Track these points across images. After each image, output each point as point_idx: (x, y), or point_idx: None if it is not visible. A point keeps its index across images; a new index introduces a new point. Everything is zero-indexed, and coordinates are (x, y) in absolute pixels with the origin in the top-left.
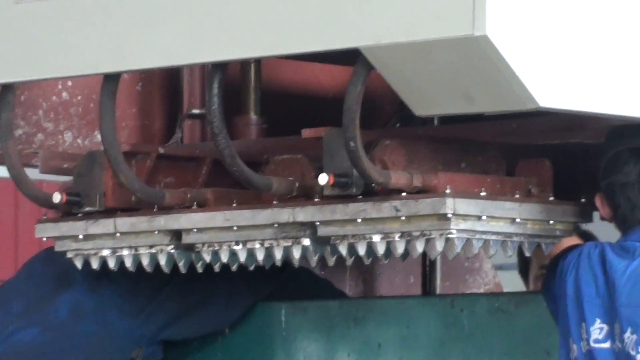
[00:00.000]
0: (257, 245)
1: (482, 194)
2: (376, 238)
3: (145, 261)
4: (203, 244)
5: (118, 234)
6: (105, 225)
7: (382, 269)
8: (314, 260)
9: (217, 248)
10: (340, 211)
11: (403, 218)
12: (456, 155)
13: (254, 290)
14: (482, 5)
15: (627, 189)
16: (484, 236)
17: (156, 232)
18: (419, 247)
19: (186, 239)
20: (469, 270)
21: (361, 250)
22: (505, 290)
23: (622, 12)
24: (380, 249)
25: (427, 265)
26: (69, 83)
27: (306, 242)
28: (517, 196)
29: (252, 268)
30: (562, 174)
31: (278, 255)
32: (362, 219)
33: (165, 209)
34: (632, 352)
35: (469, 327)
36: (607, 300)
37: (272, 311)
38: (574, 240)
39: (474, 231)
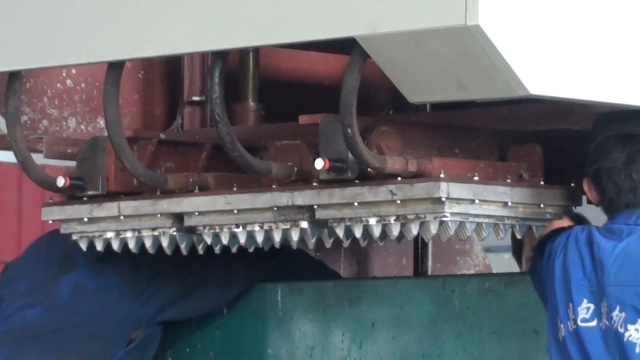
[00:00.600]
0: (257, 228)
1: (475, 178)
2: (372, 221)
3: (148, 243)
4: (204, 226)
5: (122, 217)
6: (109, 209)
7: (376, 250)
8: (311, 242)
9: (217, 230)
10: (338, 195)
11: (398, 202)
12: (450, 141)
13: (250, 271)
14: None
15: (614, 174)
16: (476, 219)
17: (159, 215)
18: (414, 229)
19: (188, 221)
20: (460, 252)
21: (357, 232)
22: (494, 271)
23: (607, 4)
24: (376, 232)
25: (419, 247)
26: (73, 71)
27: (304, 224)
28: (508, 180)
29: (251, 250)
30: (553, 159)
31: (277, 237)
32: (359, 203)
33: (168, 193)
34: (621, 330)
35: (459, 307)
36: (594, 281)
37: (269, 291)
38: (564, 222)
39: (467, 214)
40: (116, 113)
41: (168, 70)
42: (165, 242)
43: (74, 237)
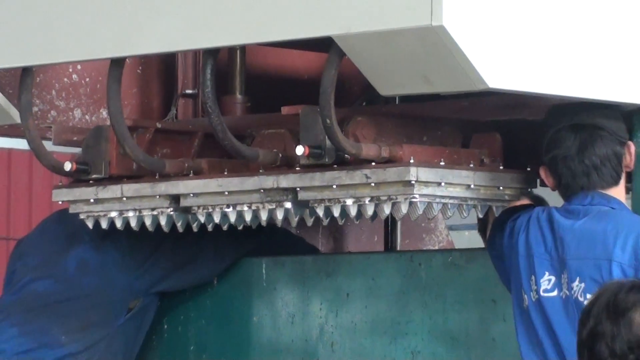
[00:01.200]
0: (245, 208)
1: (441, 163)
2: (349, 202)
3: (147, 222)
4: (198, 206)
5: (124, 198)
6: (113, 191)
7: (350, 228)
8: (294, 220)
9: (210, 210)
10: (318, 178)
11: (372, 184)
12: (418, 130)
13: (237, 247)
14: None
15: (569, 160)
16: (442, 200)
17: (158, 197)
18: (386, 209)
19: (184, 202)
20: (426, 230)
21: (336, 212)
22: (456, 247)
23: (557, 7)
24: (353, 211)
25: (389, 225)
26: (79, 67)
27: (288, 205)
28: (471, 165)
29: (240, 228)
30: (510, 146)
31: (264, 216)
32: (337, 185)
33: (165, 177)
34: (581, 299)
35: (426, 279)
36: (555, 255)
37: (254, 265)
38: (523, 202)
39: (434, 195)
40: (118, 105)
41: (164, 66)
42: (163, 221)
43: (81, 216)
